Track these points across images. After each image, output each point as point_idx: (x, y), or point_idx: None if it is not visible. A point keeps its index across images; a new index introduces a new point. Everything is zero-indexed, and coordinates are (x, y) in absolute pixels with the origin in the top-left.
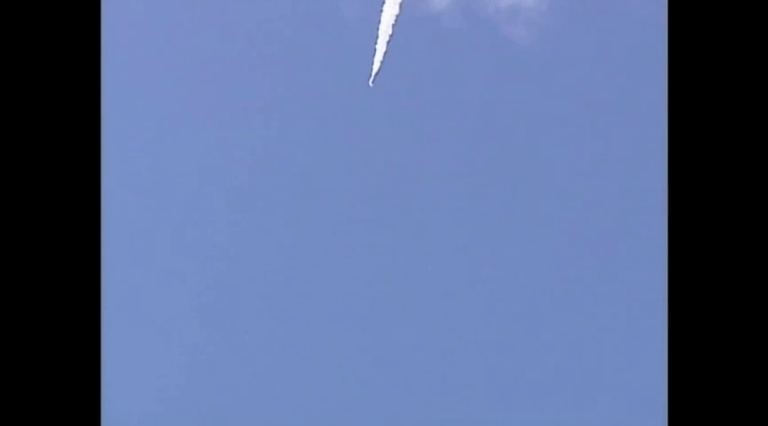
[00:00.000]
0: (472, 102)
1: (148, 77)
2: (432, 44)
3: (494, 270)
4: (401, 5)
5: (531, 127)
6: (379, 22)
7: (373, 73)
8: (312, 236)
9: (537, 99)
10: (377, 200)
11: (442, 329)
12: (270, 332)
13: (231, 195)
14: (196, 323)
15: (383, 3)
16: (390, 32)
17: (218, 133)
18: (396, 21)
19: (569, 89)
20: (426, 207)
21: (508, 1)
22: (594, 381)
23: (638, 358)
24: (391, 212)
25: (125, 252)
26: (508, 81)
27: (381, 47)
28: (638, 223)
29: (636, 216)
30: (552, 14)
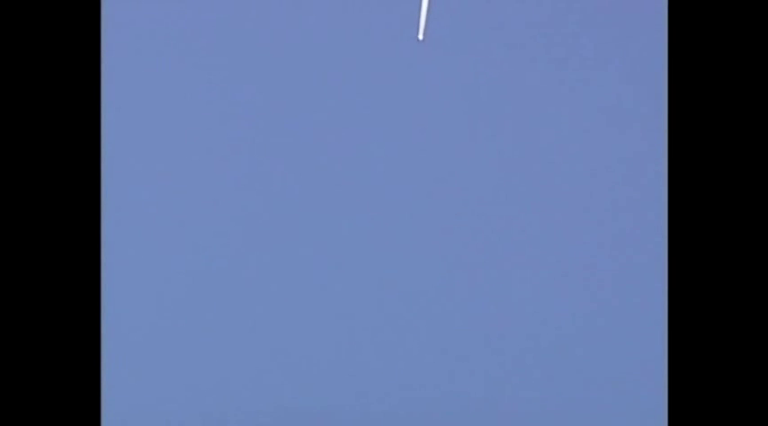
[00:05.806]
0: None
1: (149, 76)
2: None
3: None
4: None
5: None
6: None
7: (421, 27)
8: (316, 236)
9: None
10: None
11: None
12: (271, 332)
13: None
14: (196, 323)
15: None
16: None
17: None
18: None
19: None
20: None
21: None
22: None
23: (639, 357)
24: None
25: (125, 251)
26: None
27: None
28: (638, 215)
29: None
30: None
